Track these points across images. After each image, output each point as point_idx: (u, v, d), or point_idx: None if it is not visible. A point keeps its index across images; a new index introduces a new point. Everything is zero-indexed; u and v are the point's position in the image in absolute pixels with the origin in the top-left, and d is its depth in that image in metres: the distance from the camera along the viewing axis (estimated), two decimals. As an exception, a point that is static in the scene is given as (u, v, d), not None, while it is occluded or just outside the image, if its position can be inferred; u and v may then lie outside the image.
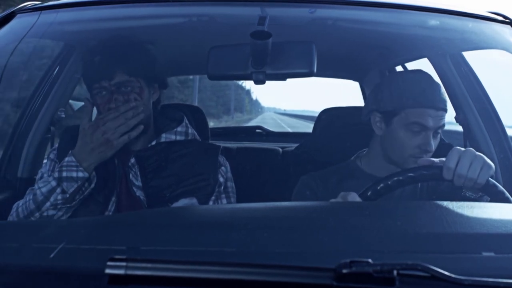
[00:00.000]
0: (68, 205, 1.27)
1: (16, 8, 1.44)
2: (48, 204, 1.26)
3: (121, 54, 1.36)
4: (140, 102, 1.34)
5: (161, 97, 1.46)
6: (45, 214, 1.26)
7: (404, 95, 1.35)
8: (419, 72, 1.47)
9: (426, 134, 1.32)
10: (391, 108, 1.36)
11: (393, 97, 1.37)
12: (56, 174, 1.28)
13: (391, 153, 1.38)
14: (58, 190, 1.27)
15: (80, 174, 1.27)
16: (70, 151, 1.30)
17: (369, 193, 1.12)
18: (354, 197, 1.09)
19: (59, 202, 1.26)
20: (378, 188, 1.12)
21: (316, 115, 1.89)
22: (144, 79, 1.36)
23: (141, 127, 1.32)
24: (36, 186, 1.30)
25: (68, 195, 1.26)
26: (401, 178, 1.14)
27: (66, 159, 1.29)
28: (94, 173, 1.30)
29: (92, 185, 1.31)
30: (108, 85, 1.33)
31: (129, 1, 1.47)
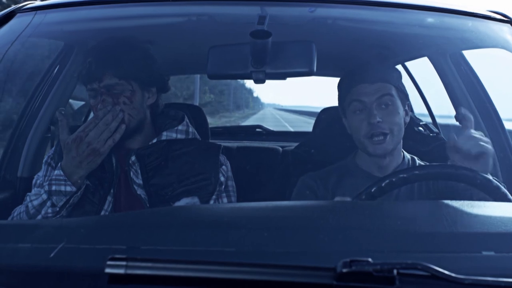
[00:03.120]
0: (58, 216, 1.29)
1: (15, 7, 1.43)
2: (39, 216, 1.28)
3: (113, 56, 1.35)
4: (128, 107, 1.34)
5: (160, 100, 1.46)
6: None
7: (341, 82, 1.44)
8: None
9: (368, 108, 1.35)
10: (341, 102, 1.44)
11: (340, 90, 1.45)
12: (46, 187, 1.29)
13: (356, 143, 1.40)
14: (48, 203, 1.28)
15: (68, 189, 1.28)
16: (59, 164, 1.31)
17: (363, 197, 1.11)
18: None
19: (49, 215, 1.28)
20: (372, 191, 1.11)
21: (311, 110, 1.90)
22: (137, 82, 1.36)
23: (123, 126, 1.32)
24: (28, 199, 1.31)
25: (57, 208, 1.28)
26: (393, 179, 1.13)
27: (55, 172, 1.30)
28: (85, 181, 1.31)
29: (81, 193, 1.31)
30: (98, 87, 1.33)
31: (129, 0, 1.47)
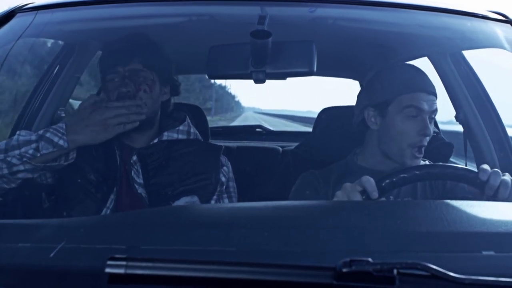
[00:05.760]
0: (33, 164, 1.23)
1: (16, 7, 1.44)
2: (16, 152, 1.22)
3: (142, 45, 1.39)
4: (147, 96, 1.36)
5: (172, 101, 1.48)
6: (8, 159, 1.22)
7: (395, 83, 1.39)
8: (406, 64, 1.55)
9: (423, 118, 1.33)
10: (384, 99, 1.38)
11: (384, 88, 1.40)
12: (40, 132, 1.26)
13: (389, 145, 1.38)
14: (33, 145, 1.23)
15: (61, 142, 1.24)
16: (64, 119, 1.31)
17: (383, 184, 1.09)
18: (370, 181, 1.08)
19: (26, 155, 1.22)
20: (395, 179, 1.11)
21: (290, 114, 1.90)
22: (158, 75, 1.39)
23: (137, 123, 1.30)
24: (18, 132, 1.28)
25: (39, 155, 1.23)
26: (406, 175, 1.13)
27: (58, 124, 1.28)
28: (75, 152, 1.28)
29: (68, 162, 1.28)
30: (122, 70, 1.35)
31: (129, 0, 1.47)
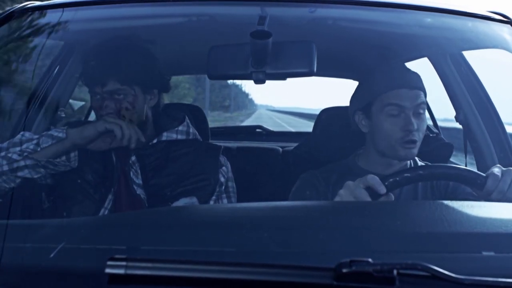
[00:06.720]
0: (34, 159, 1.24)
1: (15, 7, 1.44)
2: (17, 148, 1.26)
3: (117, 61, 1.35)
4: (130, 112, 1.34)
5: (161, 100, 1.46)
6: (9, 155, 1.25)
7: (375, 83, 1.40)
8: (389, 63, 1.57)
9: (406, 114, 1.33)
10: (367, 101, 1.40)
11: (367, 89, 1.41)
12: (43, 132, 1.31)
13: (380, 145, 1.38)
14: (34, 141, 1.29)
15: (60, 134, 1.28)
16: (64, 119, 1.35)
17: (390, 181, 1.08)
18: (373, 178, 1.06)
19: (27, 150, 1.26)
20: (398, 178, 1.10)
21: (300, 111, 1.89)
22: (139, 86, 1.36)
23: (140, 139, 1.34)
24: (21, 133, 1.34)
25: (39, 149, 1.27)
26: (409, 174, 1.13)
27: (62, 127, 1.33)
28: (76, 153, 1.30)
29: (70, 165, 1.30)
30: (101, 91, 1.33)
31: (129, 0, 1.47)
